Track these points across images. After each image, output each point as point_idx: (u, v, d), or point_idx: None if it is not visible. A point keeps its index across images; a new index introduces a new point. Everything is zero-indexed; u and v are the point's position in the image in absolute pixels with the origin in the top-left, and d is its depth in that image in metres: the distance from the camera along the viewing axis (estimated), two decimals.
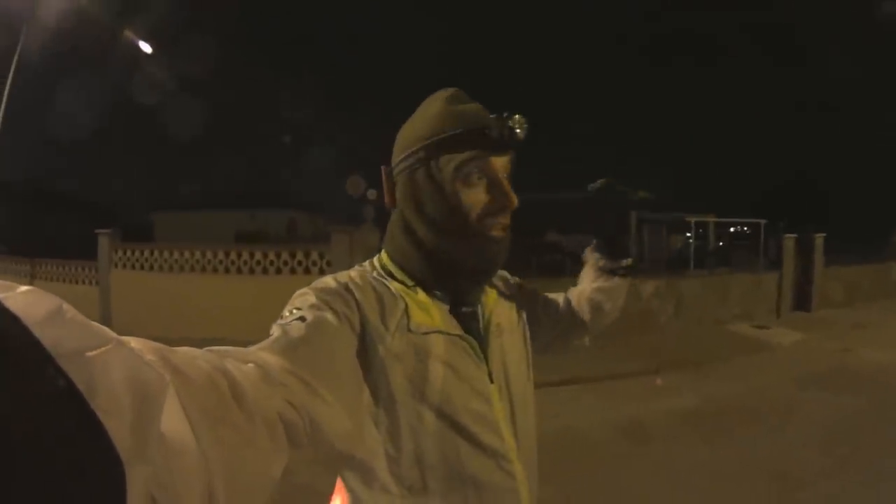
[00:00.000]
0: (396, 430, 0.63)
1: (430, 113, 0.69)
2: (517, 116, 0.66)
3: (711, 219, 11.04)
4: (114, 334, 0.23)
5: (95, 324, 0.22)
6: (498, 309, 0.76)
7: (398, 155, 0.70)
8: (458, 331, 0.68)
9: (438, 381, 0.64)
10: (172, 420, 0.26)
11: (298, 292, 0.63)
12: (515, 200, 0.67)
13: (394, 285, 0.69)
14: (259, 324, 0.53)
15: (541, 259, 8.55)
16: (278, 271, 6.48)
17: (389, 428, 0.63)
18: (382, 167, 0.73)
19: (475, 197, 0.67)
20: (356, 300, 0.64)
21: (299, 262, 6.39)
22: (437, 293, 0.70)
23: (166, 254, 7.03)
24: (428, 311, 0.68)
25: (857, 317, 8.75)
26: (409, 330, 0.65)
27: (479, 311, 0.73)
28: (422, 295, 0.69)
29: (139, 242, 7.73)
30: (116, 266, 7.42)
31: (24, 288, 0.21)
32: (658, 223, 11.15)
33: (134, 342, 0.27)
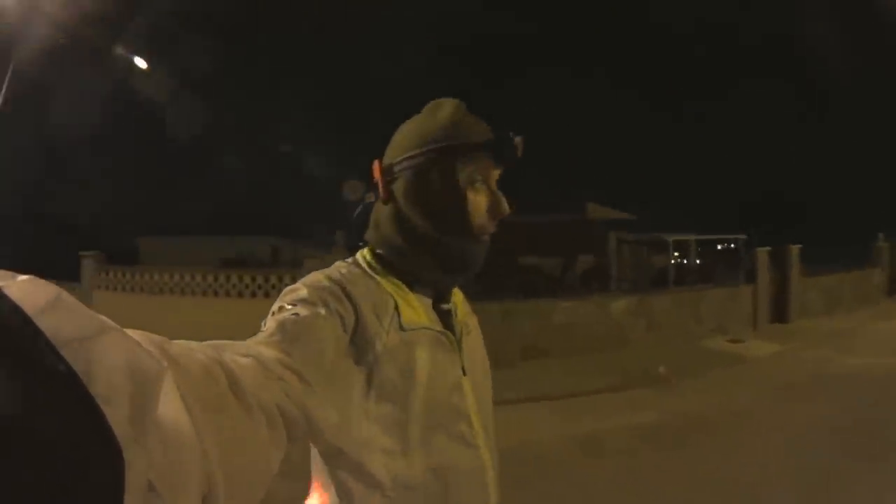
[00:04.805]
0: (389, 423, 0.65)
1: (442, 117, 0.73)
2: (519, 138, 0.73)
3: (692, 237, 11.24)
4: (112, 322, 0.23)
5: (94, 312, 0.22)
6: (464, 308, 0.82)
7: (404, 152, 0.73)
8: (440, 326, 0.73)
9: (424, 375, 0.67)
10: (171, 408, 0.26)
11: (289, 288, 0.64)
12: (508, 209, 0.74)
13: (383, 282, 0.71)
14: None
15: (515, 280, 8.54)
16: (253, 295, 6.66)
17: (382, 421, 0.65)
18: (377, 161, 0.75)
19: (477, 202, 0.72)
20: (351, 297, 0.65)
21: (273, 286, 6.57)
22: (422, 288, 0.74)
23: (147, 276, 7.20)
24: (415, 309, 0.71)
25: (835, 325, 8.67)
26: (402, 327, 0.68)
27: (453, 308, 0.78)
28: (409, 292, 0.72)
29: (123, 265, 7.89)
30: (100, 288, 7.58)
31: (23, 277, 0.21)
32: (638, 244, 11.39)
33: (131, 332, 0.26)
